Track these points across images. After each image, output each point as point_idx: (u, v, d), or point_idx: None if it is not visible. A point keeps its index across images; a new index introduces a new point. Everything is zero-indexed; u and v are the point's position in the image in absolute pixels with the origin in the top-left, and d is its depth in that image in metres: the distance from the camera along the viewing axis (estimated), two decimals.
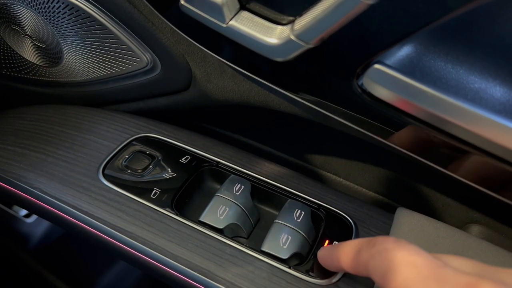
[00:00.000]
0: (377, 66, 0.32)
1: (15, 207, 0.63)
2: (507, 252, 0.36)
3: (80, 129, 0.46)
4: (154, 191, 0.40)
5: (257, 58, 0.36)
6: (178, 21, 0.40)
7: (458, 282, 0.22)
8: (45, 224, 0.64)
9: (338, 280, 0.35)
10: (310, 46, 0.32)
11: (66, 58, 0.49)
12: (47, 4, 0.44)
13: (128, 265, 0.53)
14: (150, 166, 0.43)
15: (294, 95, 0.39)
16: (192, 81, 0.47)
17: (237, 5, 0.34)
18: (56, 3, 0.43)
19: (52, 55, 0.49)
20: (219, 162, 0.44)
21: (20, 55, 0.51)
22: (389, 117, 0.34)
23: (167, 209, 0.39)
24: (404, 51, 0.32)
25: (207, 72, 0.45)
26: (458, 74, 0.31)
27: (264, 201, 0.43)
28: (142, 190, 0.40)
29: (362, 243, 0.28)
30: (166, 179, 0.42)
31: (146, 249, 0.37)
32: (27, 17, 0.46)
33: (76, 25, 0.45)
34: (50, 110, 0.50)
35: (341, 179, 0.55)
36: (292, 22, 0.33)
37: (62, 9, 0.43)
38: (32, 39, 0.48)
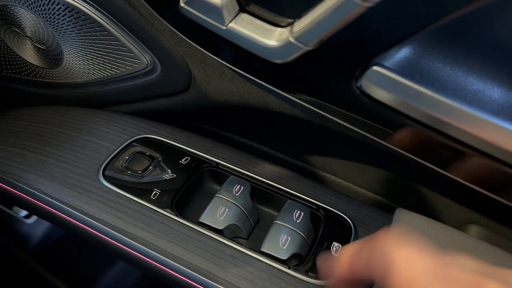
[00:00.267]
0: (375, 68, 0.32)
1: (15, 208, 0.63)
2: (506, 252, 0.36)
3: (80, 130, 0.46)
4: (154, 192, 0.40)
5: (256, 60, 0.36)
6: (178, 23, 0.40)
7: (464, 280, 0.22)
8: (45, 224, 0.64)
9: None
10: (309, 48, 0.32)
11: (66, 60, 0.49)
12: (47, 6, 0.44)
13: (128, 266, 0.53)
14: (150, 167, 0.43)
15: (293, 97, 0.39)
16: (192, 83, 0.47)
17: (237, 7, 0.35)
18: (57, 5, 0.43)
19: (52, 56, 0.49)
20: (219, 163, 0.44)
21: (20, 57, 0.51)
22: (388, 118, 0.34)
23: (167, 210, 0.39)
24: (402, 53, 0.32)
25: (206, 74, 0.45)
26: (456, 76, 0.31)
27: (263, 202, 0.43)
28: (142, 191, 0.40)
29: (362, 242, 0.28)
30: (166, 180, 0.42)
31: (146, 250, 0.37)
32: (28, 18, 0.46)
33: (76, 27, 0.45)
34: (50, 111, 0.50)
35: (340, 180, 0.55)
36: (291, 24, 0.33)
37: (62, 11, 0.44)
38: (32, 40, 0.48)
